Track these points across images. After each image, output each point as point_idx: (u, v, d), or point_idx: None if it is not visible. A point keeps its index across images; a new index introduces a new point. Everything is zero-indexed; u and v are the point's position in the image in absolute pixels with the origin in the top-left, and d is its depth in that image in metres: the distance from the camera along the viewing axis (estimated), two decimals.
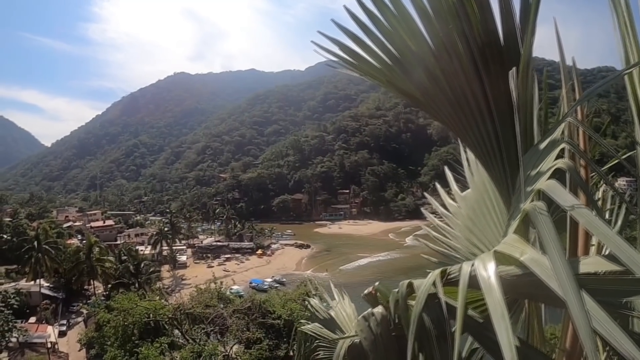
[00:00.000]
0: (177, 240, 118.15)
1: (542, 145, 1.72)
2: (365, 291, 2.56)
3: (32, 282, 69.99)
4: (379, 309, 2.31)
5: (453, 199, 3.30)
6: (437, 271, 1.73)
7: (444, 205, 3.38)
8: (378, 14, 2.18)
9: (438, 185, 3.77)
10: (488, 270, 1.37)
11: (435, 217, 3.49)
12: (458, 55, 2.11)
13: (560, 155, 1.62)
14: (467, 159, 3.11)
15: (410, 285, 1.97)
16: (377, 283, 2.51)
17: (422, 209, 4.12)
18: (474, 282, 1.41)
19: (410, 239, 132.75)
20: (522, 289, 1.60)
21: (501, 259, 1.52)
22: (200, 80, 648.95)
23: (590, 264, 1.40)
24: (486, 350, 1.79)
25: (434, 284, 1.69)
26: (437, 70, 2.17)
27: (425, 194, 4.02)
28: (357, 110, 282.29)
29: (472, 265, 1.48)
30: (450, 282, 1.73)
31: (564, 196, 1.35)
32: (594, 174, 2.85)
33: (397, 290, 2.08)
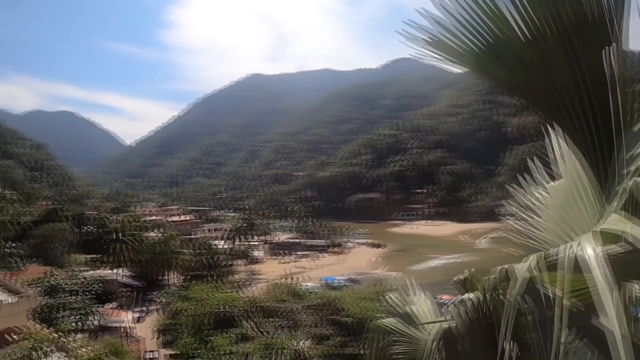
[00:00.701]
0: (252, 236, 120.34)
1: (636, 128, 1.64)
2: (455, 278, 2.53)
3: (113, 271, 74.13)
4: (472, 295, 2.28)
5: (540, 191, 3.21)
6: (534, 255, 1.68)
7: (528, 199, 3.29)
8: (464, 1, 2.16)
9: (521, 178, 3.67)
10: (591, 250, 1.32)
11: (520, 210, 3.40)
12: (549, 38, 2.06)
13: None
14: (560, 147, 3.01)
15: (505, 270, 1.93)
16: (469, 269, 2.48)
17: (506, 202, 4.01)
18: (573, 264, 1.36)
19: (486, 240, 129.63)
20: (623, 268, 1.52)
21: (601, 238, 1.46)
22: (275, 80, 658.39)
23: None
24: (589, 339, 1.73)
25: (532, 268, 1.65)
26: (529, 53, 2.13)
27: (509, 187, 3.87)
28: (433, 108, 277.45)
29: (571, 247, 1.44)
30: (548, 267, 1.67)
31: None
32: None
33: (491, 276, 2.04)
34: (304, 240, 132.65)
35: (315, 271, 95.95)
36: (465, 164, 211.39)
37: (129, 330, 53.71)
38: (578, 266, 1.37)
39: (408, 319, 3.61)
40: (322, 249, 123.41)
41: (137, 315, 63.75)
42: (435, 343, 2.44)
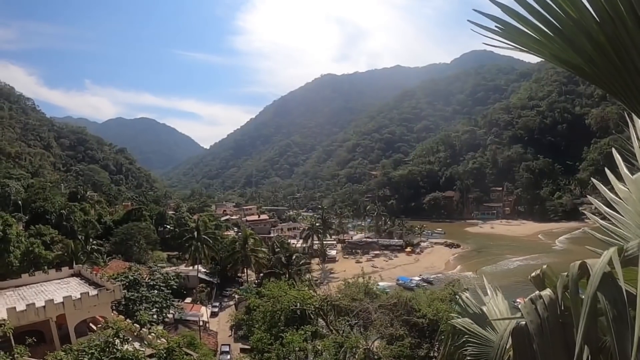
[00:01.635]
0: (327, 235, 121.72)
1: None
2: (533, 273, 2.44)
3: (191, 268, 77.75)
4: (547, 292, 2.18)
5: (620, 186, 3.04)
6: (613, 249, 1.58)
7: (609, 195, 3.13)
8: None
9: (607, 171, 3.48)
10: None
11: (601, 207, 3.23)
12: (622, 19, 1.93)
13: None
14: (638, 139, 2.84)
15: (582, 266, 1.83)
16: (545, 265, 2.38)
17: (590, 197, 3.84)
18: None
19: (564, 240, 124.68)
20: None
21: None
22: (347, 80, 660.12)
23: None
24: None
25: (609, 263, 1.55)
26: (601, 36, 2.01)
27: (594, 180, 3.69)
28: (509, 102, 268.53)
29: None
30: (628, 261, 1.57)
31: None
32: None
33: (566, 273, 1.95)
34: (379, 239, 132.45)
35: (390, 271, 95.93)
36: (544, 160, 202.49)
37: (204, 324, 55.75)
38: None
39: (481, 319, 3.53)
40: (397, 249, 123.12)
41: (212, 310, 66.23)
42: (504, 341, 2.35)
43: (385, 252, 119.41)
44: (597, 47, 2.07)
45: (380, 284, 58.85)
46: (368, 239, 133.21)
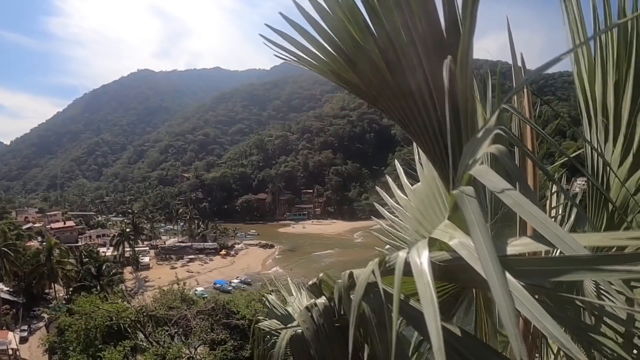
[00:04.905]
0: (139, 241, 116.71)
1: (480, 134, 1.74)
2: (310, 282, 2.57)
3: None
4: (321, 300, 2.32)
5: (404, 194, 3.35)
6: (376, 260, 1.74)
7: (395, 199, 3.44)
8: (325, 6, 2.19)
9: (389, 179, 3.82)
10: (421, 256, 1.37)
11: (387, 210, 3.54)
12: (401, 47, 2.12)
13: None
14: (419, 153, 3.15)
15: (351, 275, 1.98)
16: (321, 274, 2.52)
17: (375, 203, 4.16)
18: (409, 269, 1.43)
19: (359, 235, 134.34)
20: (455, 274, 1.62)
21: (437, 245, 1.53)
22: (165, 78, 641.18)
23: (519, 245, 1.40)
24: (427, 341, 1.81)
25: (373, 272, 1.71)
26: (381, 61, 2.19)
27: (377, 188, 4.05)
28: (322, 110, 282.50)
29: (408, 252, 1.50)
30: (391, 271, 1.74)
31: (494, 179, 1.35)
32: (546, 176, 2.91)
33: (338, 281, 2.10)
34: (192, 243, 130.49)
35: (206, 275, 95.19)
36: (352, 165, 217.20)
37: (14, 352, 49.98)
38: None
39: (288, 320, 3.63)
40: (212, 252, 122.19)
41: (21, 334, 59.35)
42: (282, 349, 2.46)
43: (200, 256, 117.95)
44: (376, 70, 2.23)
45: (198, 289, 58.05)
46: (182, 244, 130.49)
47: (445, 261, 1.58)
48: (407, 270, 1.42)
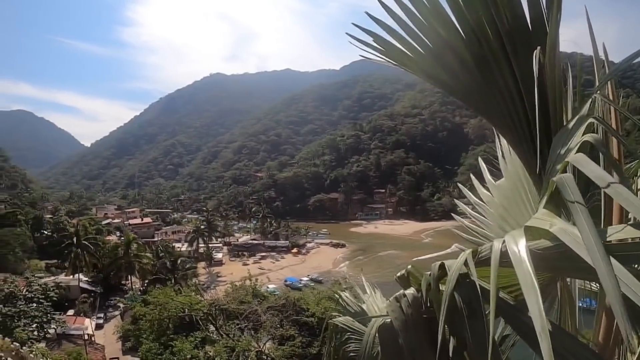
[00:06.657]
0: (213, 238, 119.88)
1: (571, 124, 1.73)
2: (398, 273, 2.59)
3: (72, 277, 72.03)
4: (410, 291, 2.34)
5: (487, 190, 3.33)
6: (468, 251, 1.75)
7: (477, 197, 3.42)
8: (409, 5, 2.23)
9: (472, 176, 3.79)
10: (518, 245, 1.38)
11: (469, 208, 3.52)
12: (487, 41, 2.13)
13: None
14: (502, 149, 3.12)
15: (442, 266, 2.00)
16: (409, 266, 2.54)
17: (456, 200, 4.14)
18: (505, 258, 1.44)
19: (427, 235, 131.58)
20: (554, 262, 1.60)
21: (532, 233, 1.53)
22: (236, 80, 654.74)
23: (620, 231, 1.38)
24: (519, 334, 1.80)
25: (465, 263, 1.72)
26: (467, 55, 2.20)
27: (459, 185, 4.02)
28: (393, 109, 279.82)
29: (503, 241, 1.51)
30: (482, 262, 1.75)
31: (594, 168, 1.34)
32: (630, 163, 2.81)
33: (429, 272, 2.12)
34: (265, 241, 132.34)
35: (277, 272, 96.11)
36: (425, 164, 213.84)
37: (89, 337, 52.34)
38: (508, 259, 1.43)
39: (361, 316, 3.66)
40: (284, 250, 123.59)
41: (97, 321, 62.46)
42: (371, 337, 2.50)
43: (272, 253, 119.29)
44: (462, 65, 2.25)
45: (268, 285, 58.72)
46: (254, 241, 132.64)
47: (543, 249, 1.57)
48: (503, 260, 1.44)
